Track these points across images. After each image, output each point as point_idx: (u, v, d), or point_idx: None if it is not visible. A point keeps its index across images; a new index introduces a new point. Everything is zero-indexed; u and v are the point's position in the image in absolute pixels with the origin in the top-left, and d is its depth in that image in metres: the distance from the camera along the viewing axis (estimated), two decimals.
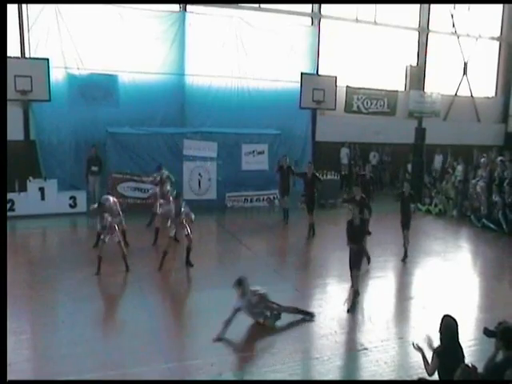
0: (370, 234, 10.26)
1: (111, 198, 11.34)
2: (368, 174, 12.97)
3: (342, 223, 14.59)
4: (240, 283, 7.59)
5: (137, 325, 7.68)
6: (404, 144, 19.84)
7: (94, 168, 15.14)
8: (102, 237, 10.02)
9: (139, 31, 16.73)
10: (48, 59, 15.40)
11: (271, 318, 7.77)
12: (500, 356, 5.07)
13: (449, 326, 5.33)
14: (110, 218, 10.12)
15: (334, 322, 8.04)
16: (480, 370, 5.11)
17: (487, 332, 5.46)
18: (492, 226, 14.64)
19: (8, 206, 13.74)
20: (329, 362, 6.78)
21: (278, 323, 7.85)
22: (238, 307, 7.46)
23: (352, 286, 9.05)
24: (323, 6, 19.58)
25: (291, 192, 14.62)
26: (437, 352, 5.29)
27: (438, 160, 20.83)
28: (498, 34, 23.53)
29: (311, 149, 19.52)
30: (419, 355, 6.93)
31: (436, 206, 16.86)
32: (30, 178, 14.75)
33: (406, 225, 11.23)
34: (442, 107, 22.57)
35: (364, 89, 20.80)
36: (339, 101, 19.63)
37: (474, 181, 16.36)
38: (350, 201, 10.94)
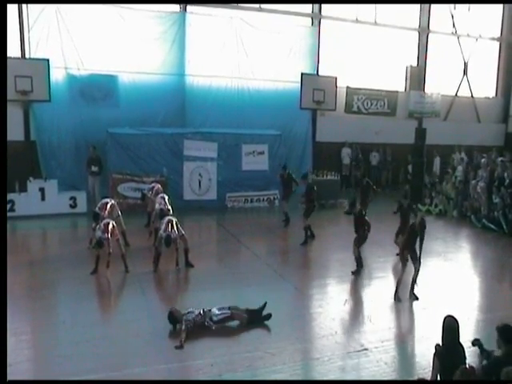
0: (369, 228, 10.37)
1: (109, 203, 11.31)
2: (364, 180, 12.81)
3: (341, 223, 14.71)
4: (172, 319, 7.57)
5: (137, 325, 7.68)
6: (404, 144, 19.84)
7: (94, 168, 15.14)
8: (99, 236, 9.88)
9: (139, 31, 16.73)
10: (48, 59, 15.44)
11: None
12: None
13: (450, 327, 5.34)
14: (105, 220, 10.16)
15: (335, 323, 8.03)
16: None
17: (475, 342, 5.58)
18: (492, 226, 14.62)
19: (8, 206, 13.74)
20: (329, 362, 6.77)
21: (278, 323, 7.85)
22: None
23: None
24: (323, 6, 19.57)
25: (291, 197, 14.56)
26: (437, 354, 5.30)
27: (436, 163, 20.74)
28: (498, 34, 23.52)
29: (311, 149, 19.51)
30: (419, 355, 7.01)
31: (436, 206, 16.86)
32: (31, 178, 14.77)
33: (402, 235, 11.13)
34: (442, 108, 22.57)
35: (364, 89, 20.79)
36: (339, 101, 19.65)
37: (474, 181, 16.34)
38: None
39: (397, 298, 9.05)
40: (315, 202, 12.88)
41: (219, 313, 7.63)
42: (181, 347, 7.00)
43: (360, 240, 10.54)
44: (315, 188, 13.06)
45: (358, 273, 10.46)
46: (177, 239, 10.09)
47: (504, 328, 5.19)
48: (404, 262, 9.14)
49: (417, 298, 9.08)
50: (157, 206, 11.52)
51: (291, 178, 14.32)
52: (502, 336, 5.14)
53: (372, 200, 13.63)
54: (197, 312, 7.59)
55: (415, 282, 9.20)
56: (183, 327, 7.32)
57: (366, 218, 10.55)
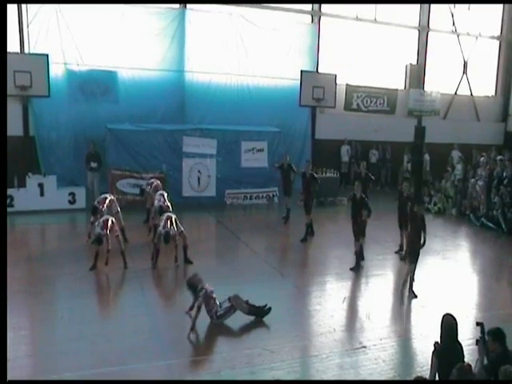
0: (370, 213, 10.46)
1: (108, 198, 11.35)
2: (363, 172, 12.90)
3: (341, 221, 14.71)
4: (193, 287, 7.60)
5: (136, 321, 7.68)
6: (403, 142, 19.86)
7: (93, 164, 15.13)
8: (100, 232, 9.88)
9: (139, 27, 16.67)
10: (47, 55, 15.37)
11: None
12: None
13: (449, 325, 5.35)
14: (105, 216, 10.16)
15: (333, 320, 8.04)
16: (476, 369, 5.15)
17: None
18: (491, 225, 14.65)
19: (7, 201, 13.71)
20: (327, 359, 6.79)
21: (277, 321, 7.86)
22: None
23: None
24: (323, 4, 19.51)
25: (292, 191, 14.56)
26: (435, 352, 5.30)
27: (426, 160, 20.57)
28: (498, 33, 23.48)
29: (311, 146, 19.50)
30: (418, 353, 7.03)
31: (435, 204, 16.88)
32: (30, 173, 14.74)
33: (404, 224, 11.19)
34: (441, 106, 22.53)
35: (364, 87, 20.75)
36: (339, 99, 19.60)
37: (473, 180, 16.36)
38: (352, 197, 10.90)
39: (412, 294, 9.10)
40: (313, 194, 12.92)
41: (221, 309, 7.64)
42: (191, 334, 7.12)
43: (359, 231, 10.56)
44: (316, 176, 13.15)
45: (357, 269, 10.48)
46: (176, 236, 10.09)
47: (496, 331, 5.18)
48: (413, 258, 9.11)
49: (415, 296, 9.09)
50: (156, 202, 11.53)
51: (290, 168, 14.34)
52: (497, 339, 5.12)
53: (370, 191, 13.62)
54: (213, 295, 7.60)
55: (413, 279, 9.22)
56: (198, 303, 7.34)
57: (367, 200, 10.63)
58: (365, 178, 12.61)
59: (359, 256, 10.69)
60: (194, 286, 7.54)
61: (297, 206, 14.42)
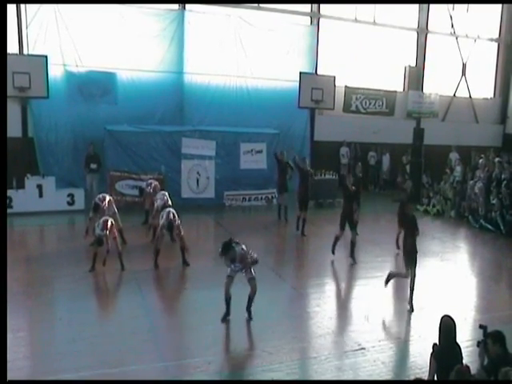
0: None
1: (107, 197, 11.38)
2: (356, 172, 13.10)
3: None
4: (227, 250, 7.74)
5: (134, 323, 7.67)
6: (402, 144, 19.88)
7: (93, 165, 15.12)
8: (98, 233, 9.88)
9: (138, 29, 16.66)
10: (46, 56, 15.35)
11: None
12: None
13: (447, 326, 5.35)
14: (104, 217, 10.17)
15: (332, 322, 8.05)
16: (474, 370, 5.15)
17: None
18: (490, 226, 14.66)
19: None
20: (326, 361, 6.78)
21: (276, 322, 7.85)
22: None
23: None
24: (322, 5, 19.56)
25: (289, 189, 14.56)
26: (434, 354, 5.31)
27: (385, 161, 20.77)
28: (496, 35, 23.53)
29: (309, 148, 19.49)
30: (416, 355, 7.03)
31: (434, 206, 16.89)
32: (28, 175, 14.72)
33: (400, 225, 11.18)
34: (440, 108, 22.56)
35: (363, 89, 20.77)
36: (338, 100, 19.61)
37: (471, 182, 16.37)
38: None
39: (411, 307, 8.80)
40: (308, 192, 12.95)
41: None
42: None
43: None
44: (311, 172, 13.24)
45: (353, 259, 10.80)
46: (179, 226, 10.12)
47: (496, 334, 5.18)
48: (410, 266, 8.80)
49: (412, 310, 8.88)
50: (159, 201, 11.50)
51: (288, 165, 14.39)
52: (497, 341, 5.12)
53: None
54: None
55: (413, 288, 8.94)
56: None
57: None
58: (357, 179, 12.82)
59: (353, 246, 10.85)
60: (228, 248, 7.96)
61: (295, 205, 14.42)
